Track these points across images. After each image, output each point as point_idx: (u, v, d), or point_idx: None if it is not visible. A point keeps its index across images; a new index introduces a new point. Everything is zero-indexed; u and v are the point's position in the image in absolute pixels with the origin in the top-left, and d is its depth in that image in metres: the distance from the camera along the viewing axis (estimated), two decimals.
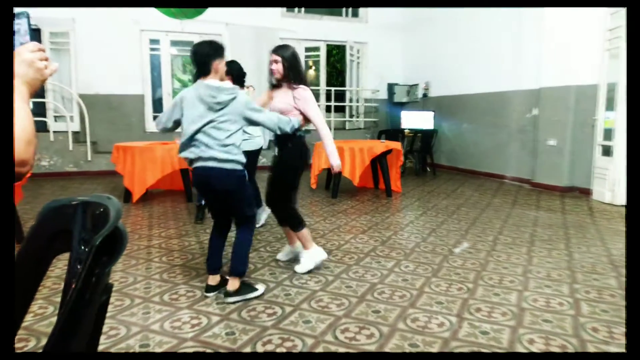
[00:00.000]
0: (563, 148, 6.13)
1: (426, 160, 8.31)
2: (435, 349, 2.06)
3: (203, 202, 4.26)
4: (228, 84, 2.59)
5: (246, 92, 4.05)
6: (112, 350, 2.06)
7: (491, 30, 7.40)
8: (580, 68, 5.87)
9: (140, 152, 5.26)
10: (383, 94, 9.93)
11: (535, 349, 2.06)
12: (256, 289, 2.67)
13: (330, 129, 9.25)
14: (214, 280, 2.71)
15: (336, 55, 12.46)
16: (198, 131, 2.49)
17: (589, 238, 3.92)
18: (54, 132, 7.72)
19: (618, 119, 5.24)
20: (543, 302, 2.58)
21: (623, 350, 2.04)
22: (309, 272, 3.04)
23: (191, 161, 2.59)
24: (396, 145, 6.02)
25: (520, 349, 2.06)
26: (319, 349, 2.06)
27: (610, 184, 5.35)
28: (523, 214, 4.87)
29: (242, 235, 2.70)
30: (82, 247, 0.81)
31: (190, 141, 2.53)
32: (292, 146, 2.98)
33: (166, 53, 8.70)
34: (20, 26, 1.06)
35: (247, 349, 2.07)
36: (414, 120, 8.60)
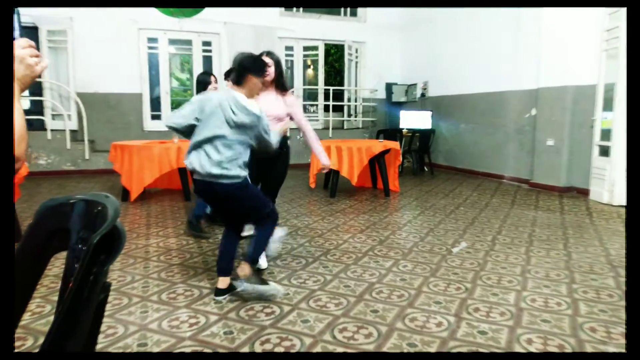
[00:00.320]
0: (561, 148, 6.14)
1: (424, 160, 8.32)
2: (433, 348, 2.06)
3: (208, 210, 4.01)
4: (255, 105, 2.50)
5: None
6: (110, 349, 2.05)
7: (490, 30, 7.40)
8: (578, 68, 5.88)
9: (138, 151, 5.24)
10: (381, 94, 9.95)
11: (533, 348, 2.06)
12: (274, 290, 2.61)
13: (328, 128, 9.36)
14: (223, 283, 2.61)
15: (334, 54, 12.45)
16: (208, 140, 2.41)
17: (587, 238, 3.92)
18: (52, 130, 7.70)
19: (616, 120, 5.24)
20: (541, 302, 2.58)
21: (621, 350, 2.05)
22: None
23: (192, 170, 2.52)
24: (394, 144, 6.02)
25: (518, 348, 2.06)
26: (317, 349, 2.06)
27: (608, 184, 5.35)
28: (521, 214, 4.88)
29: (266, 226, 2.67)
30: (80, 246, 0.80)
31: (199, 146, 2.45)
32: (286, 150, 3.17)
33: (164, 52, 8.69)
34: None
35: (245, 349, 2.06)
36: (412, 120, 8.61)
